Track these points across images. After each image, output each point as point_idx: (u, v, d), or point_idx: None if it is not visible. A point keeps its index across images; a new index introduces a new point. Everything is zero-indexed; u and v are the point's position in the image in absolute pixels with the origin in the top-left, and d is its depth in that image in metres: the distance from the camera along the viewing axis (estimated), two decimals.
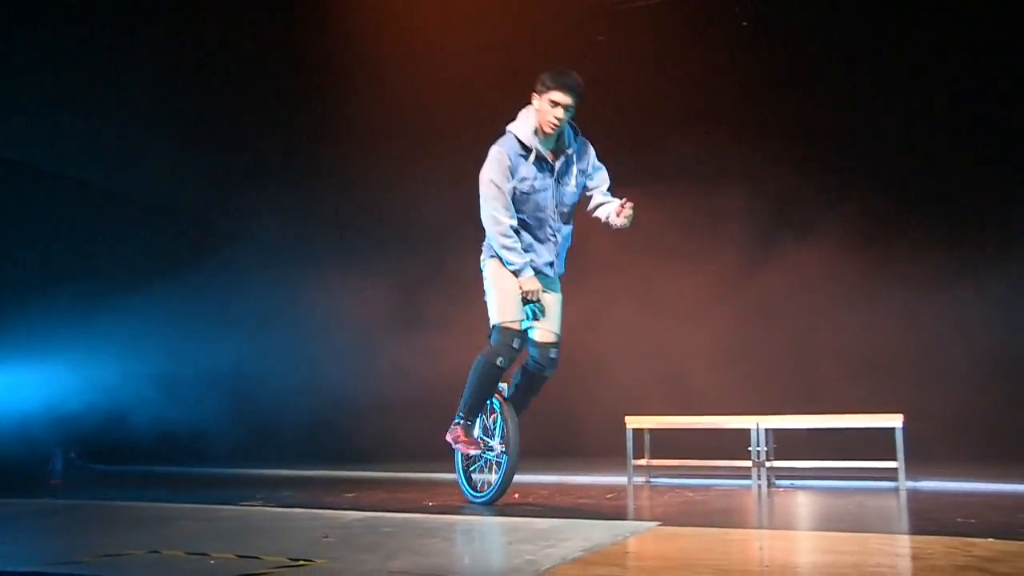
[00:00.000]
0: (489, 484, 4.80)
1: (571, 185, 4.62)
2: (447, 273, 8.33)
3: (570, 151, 4.59)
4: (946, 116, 7.59)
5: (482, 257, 4.73)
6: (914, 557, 3.15)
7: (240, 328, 9.12)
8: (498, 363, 4.55)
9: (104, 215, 9.20)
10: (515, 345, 4.56)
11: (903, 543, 3.54)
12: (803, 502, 5.24)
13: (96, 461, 8.50)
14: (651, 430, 6.31)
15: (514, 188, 4.51)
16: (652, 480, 6.33)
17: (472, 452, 4.82)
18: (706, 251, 8.06)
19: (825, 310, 7.63)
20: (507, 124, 4.59)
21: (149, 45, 8.51)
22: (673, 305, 8.04)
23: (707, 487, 5.95)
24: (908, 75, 7.46)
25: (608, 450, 7.23)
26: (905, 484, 5.58)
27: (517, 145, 4.51)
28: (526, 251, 4.57)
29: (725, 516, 4.57)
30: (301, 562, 2.93)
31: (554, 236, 4.64)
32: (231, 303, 9.28)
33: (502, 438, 4.73)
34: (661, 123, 8.09)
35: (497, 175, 4.49)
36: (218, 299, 9.29)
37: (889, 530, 4.05)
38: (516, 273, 4.55)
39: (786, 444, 6.10)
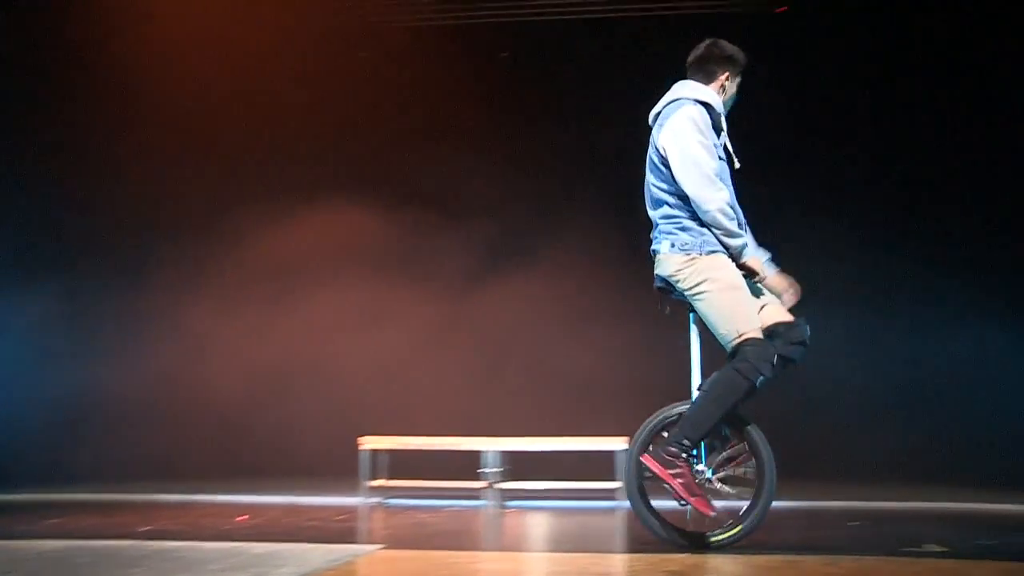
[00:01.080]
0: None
1: None
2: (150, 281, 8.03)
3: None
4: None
5: (680, 267, 3.72)
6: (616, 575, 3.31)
7: None
8: (757, 383, 3.58)
9: None
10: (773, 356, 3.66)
11: (614, 562, 3.73)
12: (530, 523, 5.40)
13: None
14: (387, 451, 6.27)
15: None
16: (387, 502, 6.29)
17: (710, 514, 3.64)
18: (444, 275, 8.18)
19: (556, 335, 7.93)
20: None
21: None
22: (409, 326, 8.07)
23: (440, 508, 5.98)
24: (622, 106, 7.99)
25: (345, 471, 7.11)
26: (625, 504, 5.89)
27: (707, 115, 3.80)
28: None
29: (452, 538, 4.61)
30: None
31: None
32: None
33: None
34: (409, 145, 8.16)
35: (703, 136, 3.73)
36: None
37: (605, 549, 4.26)
38: (741, 253, 3.72)
39: (519, 465, 6.27)
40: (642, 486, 3.82)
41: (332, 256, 8.25)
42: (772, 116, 7.03)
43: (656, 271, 3.80)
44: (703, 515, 3.60)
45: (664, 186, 3.79)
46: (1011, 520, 5.50)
